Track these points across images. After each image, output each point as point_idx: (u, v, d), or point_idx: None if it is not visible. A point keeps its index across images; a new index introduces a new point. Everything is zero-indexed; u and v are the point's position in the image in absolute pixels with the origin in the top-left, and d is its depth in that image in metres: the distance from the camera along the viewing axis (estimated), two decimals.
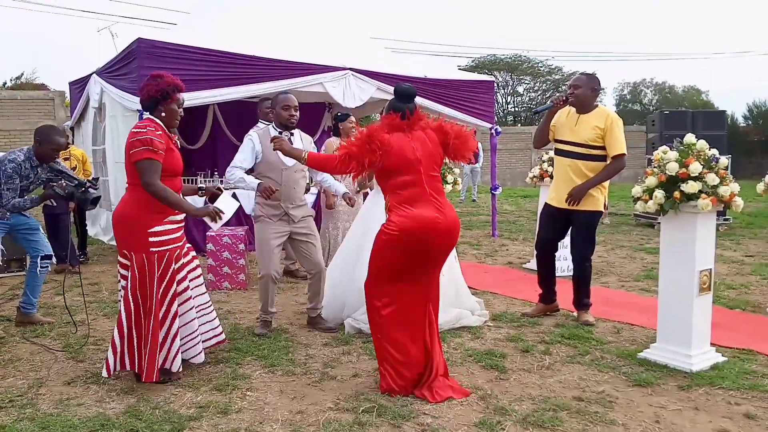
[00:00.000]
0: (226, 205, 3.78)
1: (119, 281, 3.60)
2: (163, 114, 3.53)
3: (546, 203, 4.92)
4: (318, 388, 3.50)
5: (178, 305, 3.53)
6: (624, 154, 4.55)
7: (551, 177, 6.76)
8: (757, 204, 13.11)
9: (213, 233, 5.91)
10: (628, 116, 31.37)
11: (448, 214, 3.45)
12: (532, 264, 7.06)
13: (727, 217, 10.42)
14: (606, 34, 56.59)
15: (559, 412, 3.17)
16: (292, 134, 4.44)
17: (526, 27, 59.11)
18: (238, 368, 3.77)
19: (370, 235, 4.62)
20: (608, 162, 4.60)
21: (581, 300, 4.81)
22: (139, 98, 3.64)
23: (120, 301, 3.55)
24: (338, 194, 4.94)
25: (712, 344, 3.96)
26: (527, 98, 38.39)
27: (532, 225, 11.16)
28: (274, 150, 3.84)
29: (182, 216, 3.60)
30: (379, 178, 3.56)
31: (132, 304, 3.44)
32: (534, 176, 7.03)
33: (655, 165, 3.85)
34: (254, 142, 4.39)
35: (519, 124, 33.21)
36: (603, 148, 4.58)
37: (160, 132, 3.48)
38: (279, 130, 4.41)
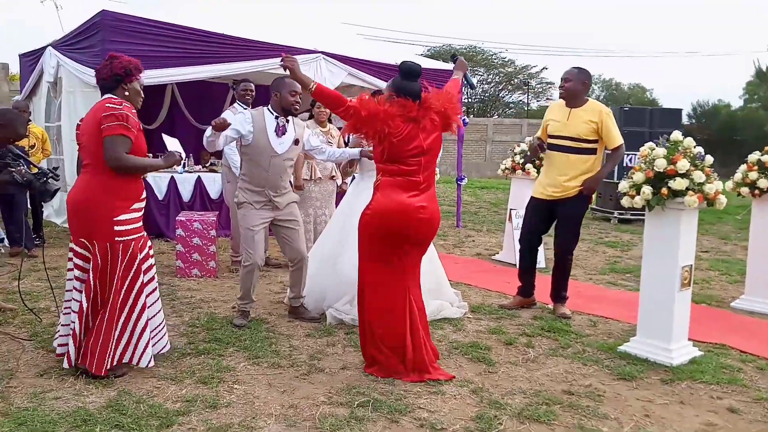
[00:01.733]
0: (174, 144, 4.01)
1: (71, 270, 3.38)
2: (127, 93, 3.33)
3: (533, 197, 4.91)
4: (307, 381, 3.42)
5: (146, 296, 3.37)
6: (622, 144, 4.63)
7: (523, 169, 6.85)
8: None
9: (182, 218, 5.70)
10: None
11: (431, 206, 3.48)
12: (501, 256, 7.14)
13: None
14: (559, 30, 57.73)
15: (552, 406, 3.18)
16: (287, 121, 4.30)
17: (483, 20, 59.62)
18: (221, 360, 3.64)
19: (352, 226, 4.57)
20: (611, 153, 4.70)
21: (559, 293, 4.87)
22: (98, 82, 3.41)
23: (71, 290, 3.37)
24: (356, 157, 4.73)
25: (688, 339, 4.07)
26: (480, 90, 38.80)
27: (494, 216, 11.30)
28: (285, 66, 3.58)
29: (144, 203, 3.45)
30: (378, 158, 3.49)
31: (92, 293, 3.26)
32: (506, 168, 7.06)
33: (642, 161, 3.91)
34: (247, 121, 4.20)
35: (472, 116, 33.53)
36: (595, 141, 4.63)
37: (134, 111, 3.31)
38: (276, 114, 4.26)
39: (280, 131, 4.24)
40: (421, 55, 29.22)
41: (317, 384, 3.37)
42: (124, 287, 3.28)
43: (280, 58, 3.58)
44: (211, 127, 3.97)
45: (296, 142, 4.35)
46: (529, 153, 5.31)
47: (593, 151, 4.64)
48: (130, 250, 3.30)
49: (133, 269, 3.30)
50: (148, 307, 3.39)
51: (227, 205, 6.28)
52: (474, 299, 5.26)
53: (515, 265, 6.65)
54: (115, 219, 3.25)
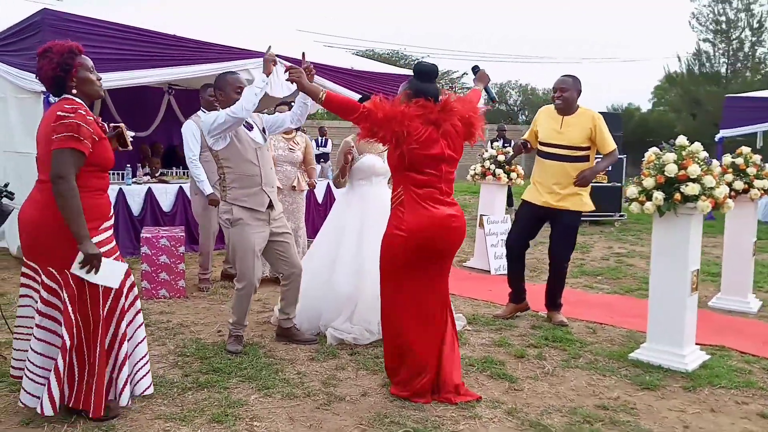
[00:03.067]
0: (113, 269, 2.88)
1: (37, 302, 2.88)
2: (75, 90, 2.86)
3: (526, 201, 4.78)
4: (330, 411, 3.15)
5: (126, 325, 2.96)
6: (615, 149, 4.64)
7: (494, 175, 6.80)
8: None
9: (148, 234, 5.24)
10: (496, 115, 32.96)
11: (458, 212, 3.30)
12: (473, 262, 7.05)
13: (622, 213, 11.12)
14: (483, 35, 59.16)
15: (594, 424, 3.07)
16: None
17: (404, 23, 60.21)
18: (229, 393, 3.30)
19: (346, 237, 4.33)
20: (604, 157, 4.68)
21: (555, 300, 4.80)
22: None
23: (37, 326, 2.87)
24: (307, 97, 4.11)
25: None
26: None
27: None
28: (292, 81, 3.36)
29: (112, 221, 3.00)
30: (397, 170, 3.26)
31: (75, 329, 2.81)
32: (476, 174, 6.98)
33: (648, 166, 3.89)
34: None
35: None
36: (588, 148, 4.60)
37: (91, 118, 2.83)
38: None
39: (247, 126, 3.93)
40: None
41: (343, 414, 3.11)
42: (104, 314, 2.86)
43: (285, 70, 3.32)
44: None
45: (263, 130, 4.07)
46: (512, 151, 5.23)
47: (586, 159, 4.61)
48: None
49: (112, 293, 2.88)
50: (129, 338, 2.97)
51: (195, 218, 5.84)
52: (465, 310, 5.11)
53: (489, 271, 6.63)
54: None
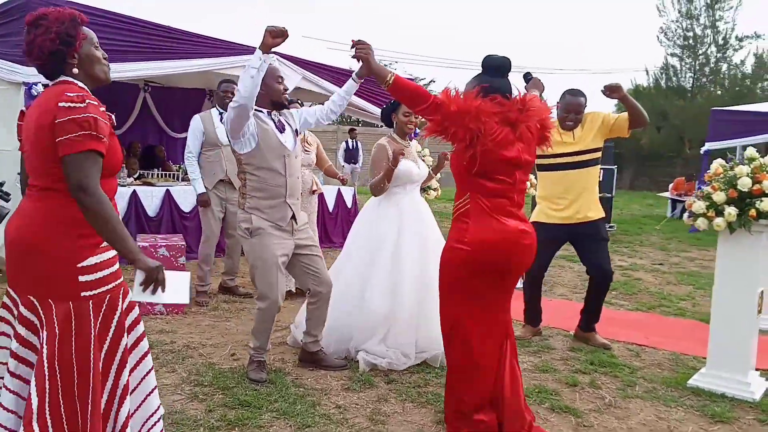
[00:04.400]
0: (178, 282, 2.34)
1: (11, 340, 2.18)
2: (78, 69, 2.22)
3: (544, 223, 4.32)
4: None
5: (129, 373, 2.24)
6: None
7: None
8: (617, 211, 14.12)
9: (145, 244, 4.71)
10: None
11: (530, 228, 2.88)
12: None
13: (611, 224, 10.97)
14: (453, 41, 59.50)
15: None
16: (280, 114, 3.60)
17: (377, 28, 60.07)
18: None
19: (381, 250, 3.91)
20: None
21: (595, 320, 4.48)
22: (31, 65, 2.29)
23: (10, 373, 2.15)
24: (354, 85, 3.69)
25: None
26: None
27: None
28: (358, 57, 2.89)
29: None
30: (464, 175, 2.83)
31: (47, 381, 2.07)
32: None
33: (716, 179, 3.60)
34: (253, 124, 3.41)
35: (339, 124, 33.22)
36: (599, 149, 4.32)
37: (103, 108, 2.20)
38: (265, 109, 3.52)
39: (280, 127, 3.50)
40: None
41: None
42: (94, 361, 2.14)
43: (351, 45, 2.86)
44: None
45: (296, 133, 3.64)
46: None
47: (599, 160, 4.38)
48: (104, 306, 2.17)
49: (111, 333, 2.19)
50: (132, 391, 2.26)
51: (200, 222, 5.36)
52: None
53: None
54: (79, 266, 2.13)
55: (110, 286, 2.21)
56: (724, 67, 25.45)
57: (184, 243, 4.88)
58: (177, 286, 2.29)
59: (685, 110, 24.35)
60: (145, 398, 2.31)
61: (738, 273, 3.58)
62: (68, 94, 2.10)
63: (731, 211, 3.43)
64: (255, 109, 3.43)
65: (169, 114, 9.68)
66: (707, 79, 25.78)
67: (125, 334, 2.25)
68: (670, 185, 15.49)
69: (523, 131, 2.82)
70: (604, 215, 4.48)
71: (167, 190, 6.77)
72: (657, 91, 26.21)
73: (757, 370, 3.74)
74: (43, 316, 2.13)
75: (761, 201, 3.39)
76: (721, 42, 25.18)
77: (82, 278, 2.14)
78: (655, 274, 7.42)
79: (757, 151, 3.66)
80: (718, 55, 25.38)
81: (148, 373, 2.32)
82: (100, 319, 2.17)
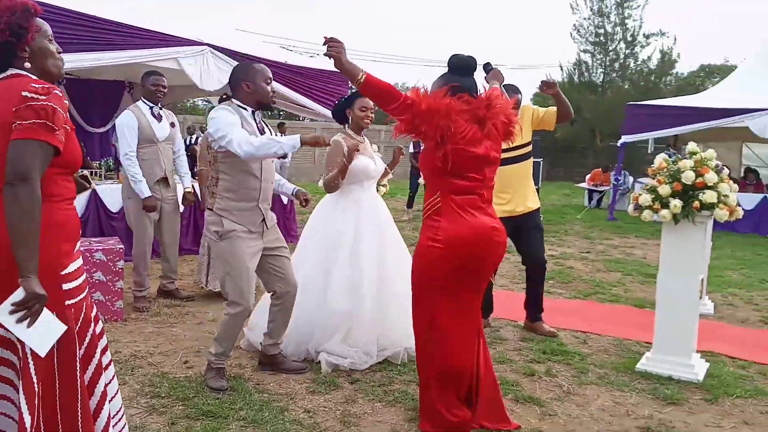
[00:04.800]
0: (49, 328, 1.95)
1: None
2: (29, 63, 2.05)
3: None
4: None
5: (105, 383, 2.17)
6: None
7: None
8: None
9: (80, 248, 4.40)
10: (384, 116, 33.11)
11: (500, 226, 2.92)
12: None
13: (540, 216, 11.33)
14: (376, 36, 59.63)
15: None
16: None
17: (294, 22, 59.27)
18: None
19: (339, 248, 3.85)
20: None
21: (539, 309, 4.61)
22: None
23: None
24: (287, 193, 3.76)
25: None
26: None
27: None
28: (330, 55, 2.77)
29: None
30: (435, 174, 2.83)
31: (37, 401, 1.95)
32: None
33: (660, 173, 3.77)
34: (241, 124, 3.26)
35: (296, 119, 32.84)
36: (530, 143, 4.48)
37: (67, 102, 2.06)
38: (249, 108, 3.38)
39: (261, 129, 3.37)
40: None
41: None
42: (78, 368, 2.05)
43: (323, 42, 2.78)
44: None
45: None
46: None
47: (532, 152, 4.53)
48: (82, 314, 2.09)
49: (87, 340, 2.11)
50: (110, 399, 2.19)
51: (129, 226, 5.05)
52: None
53: None
54: (63, 273, 2.01)
55: (84, 293, 2.13)
56: (632, 63, 26.80)
57: (122, 246, 4.61)
58: (44, 332, 1.92)
59: (596, 104, 25.48)
60: (113, 397, 2.25)
61: (681, 261, 3.76)
62: (32, 85, 1.95)
63: (676, 203, 3.60)
64: (240, 106, 3.34)
65: (85, 108, 9.15)
66: (617, 74, 27.08)
67: (98, 348, 2.16)
68: (587, 176, 16.21)
69: (490, 128, 2.85)
70: (539, 205, 4.64)
71: (92, 189, 6.39)
72: (570, 86, 27.22)
73: (697, 352, 3.96)
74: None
75: (704, 193, 3.57)
76: (629, 39, 26.49)
77: (65, 286, 2.03)
78: (585, 262, 7.72)
79: (667, 146, 3.88)
80: (627, 51, 26.68)
81: (113, 378, 2.28)
82: (79, 325, 2.07)
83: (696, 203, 3.57)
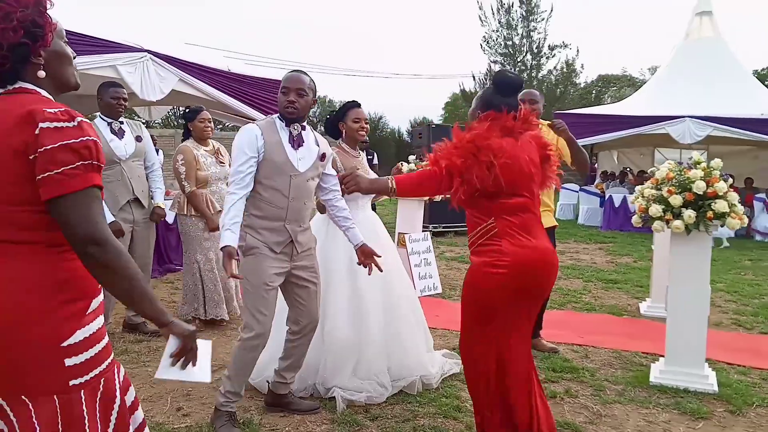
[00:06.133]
0: (203, 353, 1.79)
1: None
2: (44, 72, 1.62)
3: None
4: None
5: None
6: None
7: None
8: None
9: None
10: None
11: (551, 247, 2.73)
12: None
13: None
14: (290, 44, 58.93)
15: None
16: (303, 128, 3.10)
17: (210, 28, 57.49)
18: None
19: (335, 273, 3.55)
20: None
21: (539, 326, 4.48)
22: None
23: None
24: (352, 242, 3.29)
25: None
26: None
27: None
28: (350, 191, 2.63)
29: (102, 296, 1.73)
30: (481, 200, 2.60)
31: None
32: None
33: (668, 183, 3.73)
34: (257, 135, 2.90)
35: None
36: None
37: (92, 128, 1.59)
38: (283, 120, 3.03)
39: (296, 142, 3.03)
40: None
41: None
42: None
43: (340, 182, 2.69)
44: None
45: (322, 157, 3.14)
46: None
47: None
48: (99, 394, 1.61)
49: (113, 420, 1.64)
50: None
51: None
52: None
53: (421, 292, 6.14)
54: (64, 345, 1.55)
55: (104, 365, 1.63)
56: (539, 73, 27.88)
57: None
58: (201, 359, 1.78)
59: None
60: None
61: (692, 272, 3.73)
62: (48, 110, 1.51)
63: (690, 214, 3.57)
64: (278, 118, 3.03)
65: None
66: (525, 84, 28.05)
67: (130, 421, 1.70)
68: None
69: (525, 140, 2.66)
70: (556, 224, 4.49)
71: None
72: None
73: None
74: (15, 423, 1.52)
75: (715, 203, 3.56)
76: (535, 50, 27.56)
77: (69, 361, 1.56)
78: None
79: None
80: (533, 62, 27.75)
81: None
82: (97, 413, 1.61)
83: (710, 213, 3.55)
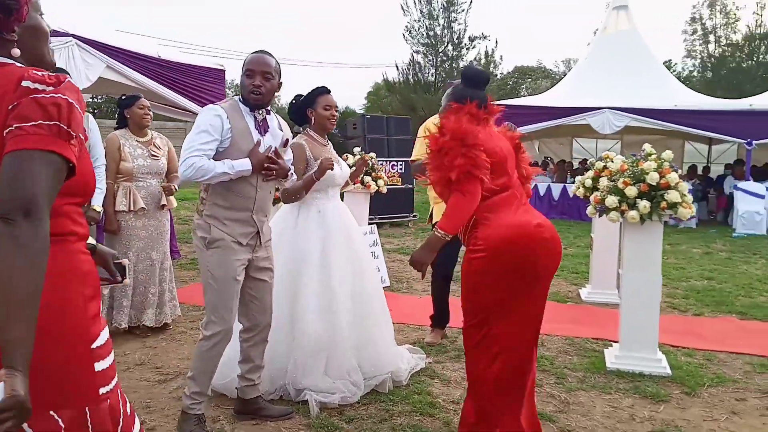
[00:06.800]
0: None
1: None
2: (18, 51, 1.42)
3: None
4: None
5: None
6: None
7: (362, 183, 6.29)
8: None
9: None
10: None
11: (546, 222, 2.66)
12: None
13: (415, 213, 11.46)
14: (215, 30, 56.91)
15: None
16: (268, 113, 2.97)
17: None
18: None
19: (306, 265, 3.44)
20: None
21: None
22: None
23: None
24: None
25: None
26: None
27: None
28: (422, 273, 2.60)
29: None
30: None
31: None
32: None
33: (623, 175, 3.85)
34: (222, 118, 2.75)
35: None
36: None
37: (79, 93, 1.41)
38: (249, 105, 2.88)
39: (262, 128, 2.89)
40: None
41: None
42: None
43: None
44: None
45: (286, 143, 3.02)
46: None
47: None
48: (119, 404, 1.51)
49: None
50: None
51: None
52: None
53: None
54: (94, 347, 1.43)
55: (117, 376, 1.53)
56: (460, 63, 28.34)
57: None
58: None
59: (430, 103, 26.61)
60: None
61: (645, 259, 3.88)
62: (35, 72, 1.33)
63: (645, 204, 3.70)
64: (241, 102, 2.87)
65: None
66: (447, 74, 28.46)
67: None
68: None
69: (489, 128, 2.69)
70: None
71: None
72: (406, 86, 28.18)
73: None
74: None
75: (668, 193, 3.71)
76: (456, 41, 28.00)
77: (98, 366, 1.43)
78: None
79: None
80: (455, 53, 28.20)
81: None
82: (120, 428, 1.48)
83: (663, 203, 3.69)
